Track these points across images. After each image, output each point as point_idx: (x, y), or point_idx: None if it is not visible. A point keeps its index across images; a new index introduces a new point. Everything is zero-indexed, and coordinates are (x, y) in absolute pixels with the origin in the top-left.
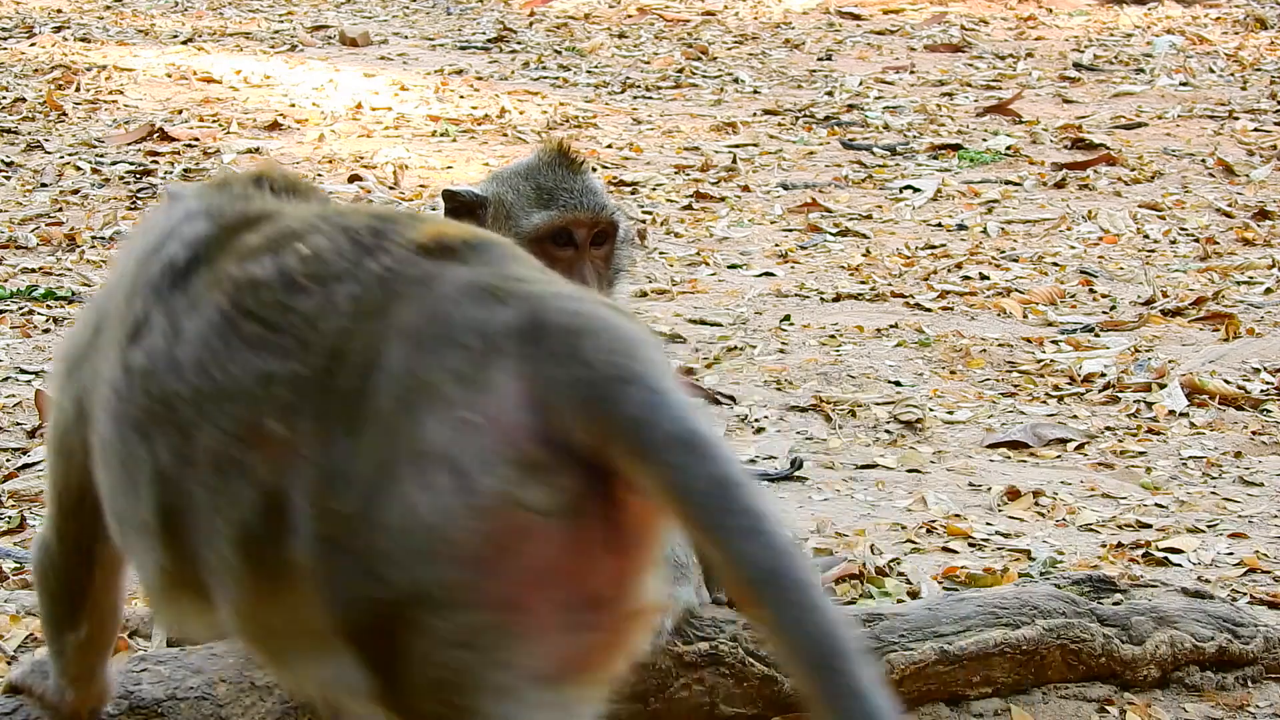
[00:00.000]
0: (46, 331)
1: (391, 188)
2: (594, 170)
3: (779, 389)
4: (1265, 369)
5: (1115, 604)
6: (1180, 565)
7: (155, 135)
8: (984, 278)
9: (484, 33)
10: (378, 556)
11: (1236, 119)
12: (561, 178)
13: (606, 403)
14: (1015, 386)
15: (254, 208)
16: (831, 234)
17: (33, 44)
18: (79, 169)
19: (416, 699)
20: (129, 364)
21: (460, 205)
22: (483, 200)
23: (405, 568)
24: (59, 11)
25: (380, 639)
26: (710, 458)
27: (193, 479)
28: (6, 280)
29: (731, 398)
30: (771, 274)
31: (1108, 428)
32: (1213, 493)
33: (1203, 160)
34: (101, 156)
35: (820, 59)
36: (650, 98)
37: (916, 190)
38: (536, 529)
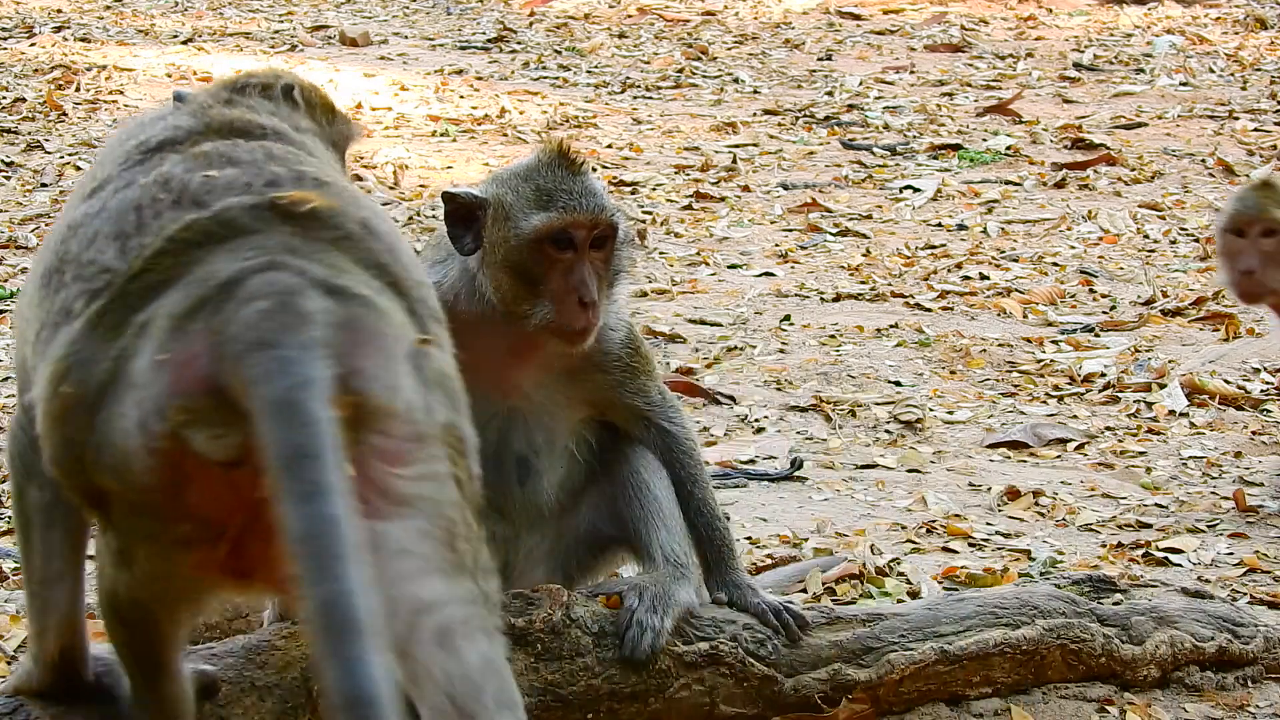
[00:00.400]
0: None
1: (391, 187)
2: (594, 171)
3: (779, 389)
4: (1265, 369)
5: (1115, 604)
6: (1180, 565)
7: None
8: (984, 278)
9: (484, 33)
10: (87, 448)
11: (1236, 119)
12: (561, 179)
13: (244, 362)
14: (1015, 386)
15: (240, 118)
16: (831, 234)
17: (33, 44)
18: (79, 169)
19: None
20: (72, 219)
21: (460, 207)
22: (482, 202)
23: (103, 469)
24: (59, 11)
25: (95, 500)
26: (298, 427)
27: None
28: (6, 280)
29: (731, 398)
30: (771, 274)
31: (1108, 428)
32: (1213, 493)
33: (1203, 160)
34: None
35: (820, 59)
36: (650, 98)
37: (916, 190)
38: (198, 471)
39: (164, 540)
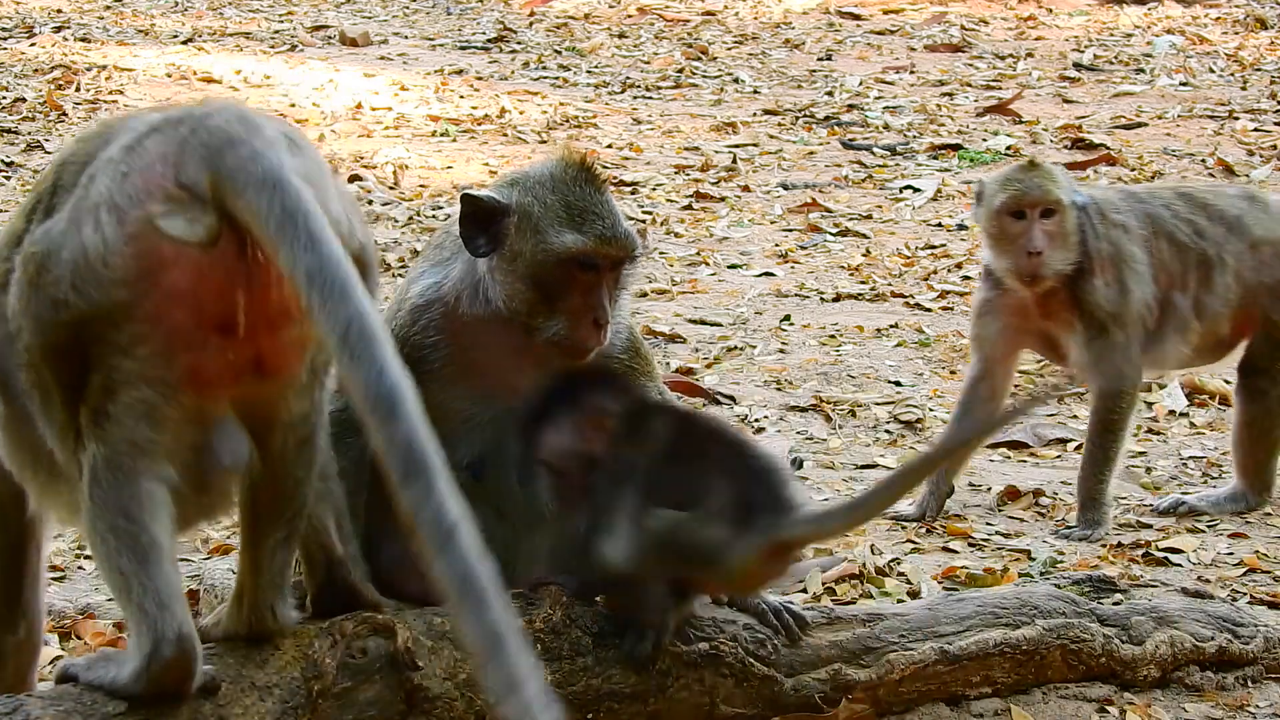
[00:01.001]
0: None
1: (391, 187)
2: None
3: (779, 389)
4: None
5: (1115, 604)
6: (1180, 565)
7: None
8: None
9: (484, 33)
10: (62, 285)
11: (1236, 119)
12: (590, 198)
13: (217, 157)
14: (1015, 386)
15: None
16: (831, 234)
17: (33, 44)
18: None
19: (92, 398)
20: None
21: (480, 210)
22: (505, 208)
23: (84, 293)
24: (59, 11)
25: (72, 355)
26: (286, 193)
27: None
28: None
29: (731, 398)
30: (771, 274)
31: None
32: (1212, 490)
33: (1203, 160)
34: None
35: (820, 59)
36: (650, 98)
37: (916, 190)
38: (177, 254)
39: (162, 351)
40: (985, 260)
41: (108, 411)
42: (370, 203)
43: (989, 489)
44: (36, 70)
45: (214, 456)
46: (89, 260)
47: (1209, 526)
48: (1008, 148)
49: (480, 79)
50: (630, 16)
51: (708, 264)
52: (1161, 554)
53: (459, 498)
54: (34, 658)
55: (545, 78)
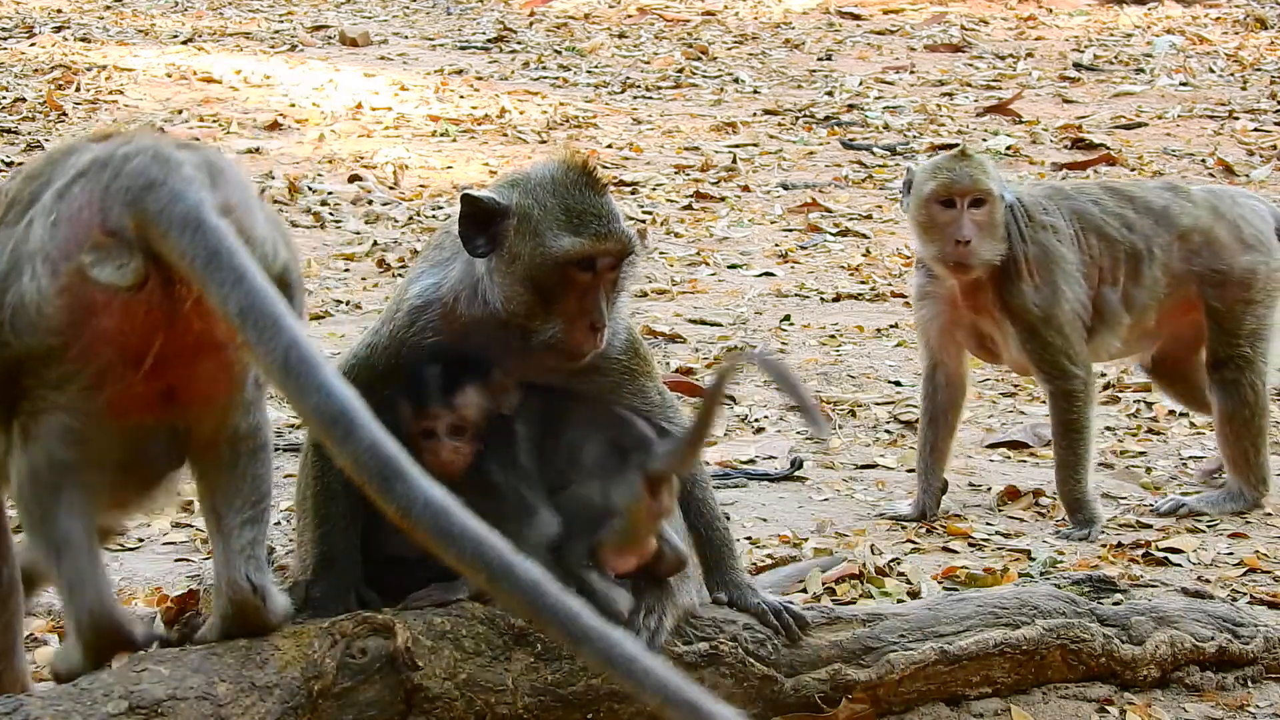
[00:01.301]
0: None
1: (391, 187)
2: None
3: (779, 389)
4: (1278, 369)
5: (1115, 604)
6: (1180, 565)
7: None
8: None
9: (484, 33)
10: (4, 329)
11: (1236, 119)
12: (589, 200)
13: (139, 201)
14: (1015, 386)
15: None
16: (831, 234)
17: (33, 44)
18: None
19: (20, 418)
20: None
21: (480, 211)
22: (505, 209)
23: (21, 337)
24: (59, 11)
25: (8, 384)
26: (208, 234)
27: None
28: None
29: (731, 398)
30: (771, 274)
31: (1108, 428)
32: (1212, 491)
33: (1203, 160)
34: None
35: (820, 59)
36: (650, 98)
37: None
38: (107, 300)
39: (87, 387)
40: (915, 250)
41: (32, 432)
42: (370, 203)
43: (989, 489)
44: (36, 70)
45: (148, 463)
46: (26, 308)
47: (1209, 526)
48: (1008, 148)
49: (480, 79)
50: (630, 16)
51: (708, 264)
52: (1161, 554)
53: (439, 486)
54: (18, 611)
55: (545, 78)
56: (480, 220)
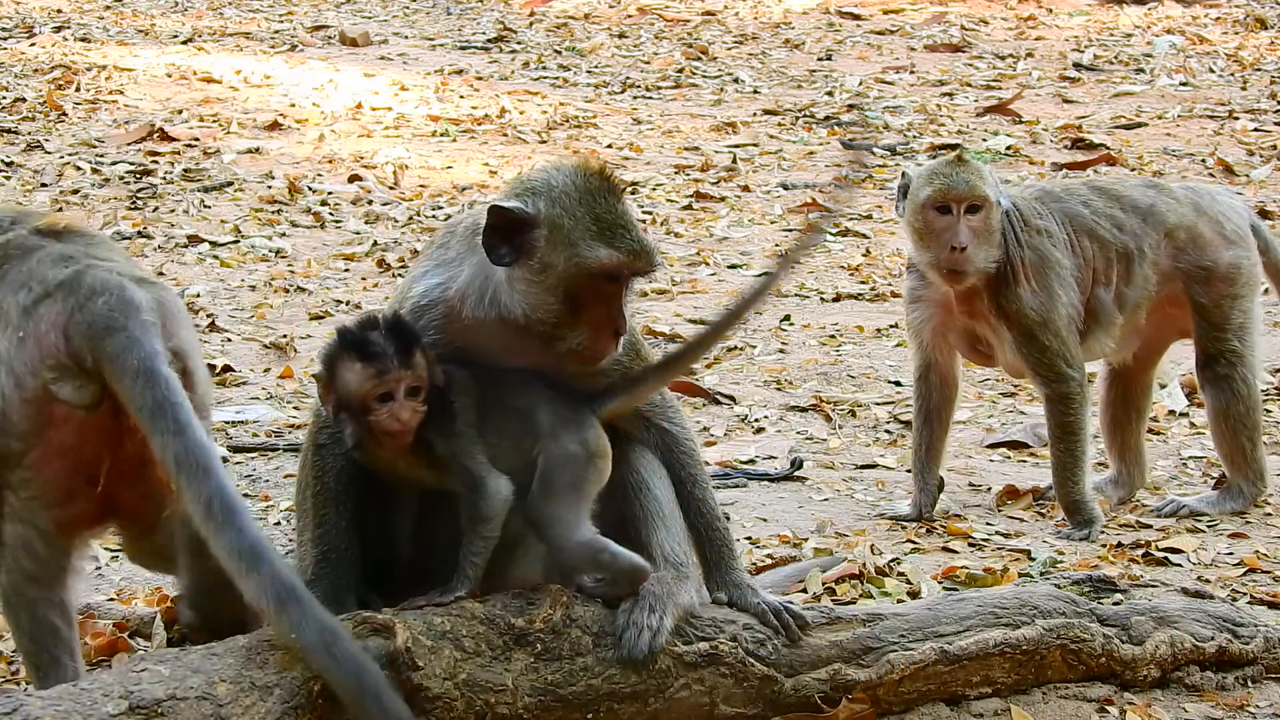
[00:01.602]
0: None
1: (391, 187)
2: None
3: (779, 389)
4: (1265, 369)
5: (1115, 604)
6: (1180, 565)
7: (155, 135)
8: None
9: (484, 33)
10: None
11: (1236, 119)
12: (616, 211)
13: (100, 340)
14: (1015, 387)
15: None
16: (831, 234)
17: (33, 44)
18: (79, 169)
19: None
20: None
21: (508, 222)
22: (534, 219)
23: None
24: (59, 11)
25: None
26: (159, 384)
27: None
28: None
29: (731, 398)
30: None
31: None
32: (1210, 491)
33: (1203, 160)
34: (101, 156)
35: (820, 59)
36: (650, 98)
37: None
38: (66, 415)
39: (42, 501)
40: (908, 253)
41: (2, 539)
42: (370, 203)
43: (989, 489)
44: (36, 70)
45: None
46: None
47: (1209, 526)
48: (1008, 148)
49: (480, 79)
50: (630, 16)
51: (708, 264)
52: (1161, 554)
53: (328, 614)
54: None
55: (545, 78)
56: (507, 230)
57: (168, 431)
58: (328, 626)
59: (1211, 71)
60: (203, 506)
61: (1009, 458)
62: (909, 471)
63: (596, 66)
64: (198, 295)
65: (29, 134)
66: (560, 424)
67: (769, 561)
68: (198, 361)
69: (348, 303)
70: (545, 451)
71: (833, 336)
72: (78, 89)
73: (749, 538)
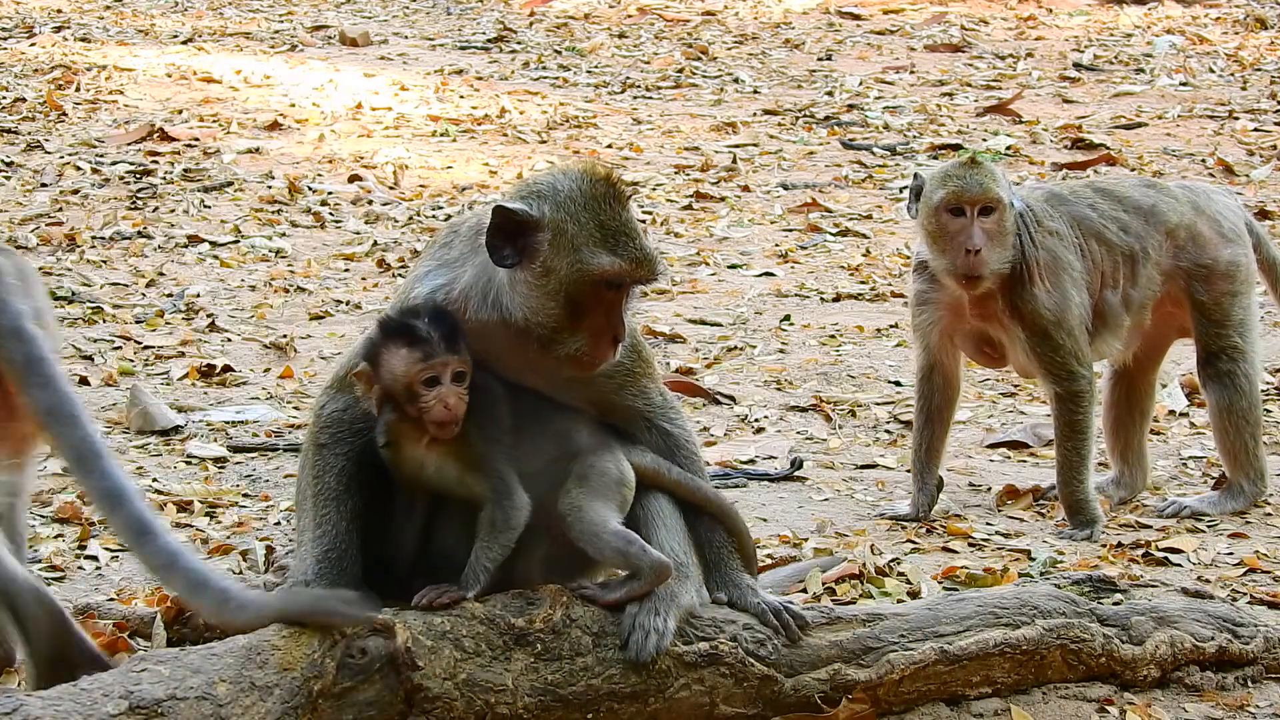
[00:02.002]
0: None
1: (391, 187)
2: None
3: (779, 389)
4: (1265, 369)
5: (1115, 604)
6: (1180, 565)
7: (155, 135)
8: None
9: (484, 33)
10: None
11: (1236, 119)
12: (621, 218)
13: None
14: (1015, 386)
15: None
16: (831, 234)
17: (33, 44)
18: (79, 169)
19: None
20: None
21: (512, 223)
22: (538, 222)
23: None
24: (59, 11)
25: None
26: (27, 342)
27: None
28: None
29: (731, 398)
30: (771, 274)
31: None
32: (1211, 491)
33: (1203, 160)
34: (101, 156)
35: (820, 59)
36: (650, 98)
37: None
38: None
39: None
40: (918, 253)
41: None
42: (370, 203)
43: (989, 489)
44: (36, 70)
45: None
46: None
47: (1209, 526)
48: (1008, 148)
49: (480, 79)
50: (630, 16)
51: (708, 264)
52: (1161, 554)
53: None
54: None
55: (545, 78)
56: (510, 232)
57: (38, 385)
58: (171, 549)
59: (1211, 71)
60: (73, 452)
61: (1009, 458)
62: (909, 472)
63: (596, 66)
64: (198, 295)
65: (29, 134)
66: (599, 445)
67: (769, 561)
68: (50, 320)
69: (348, 303)
70: (584, 460)
71: (833, 336)
72: (78, 89)
73: None
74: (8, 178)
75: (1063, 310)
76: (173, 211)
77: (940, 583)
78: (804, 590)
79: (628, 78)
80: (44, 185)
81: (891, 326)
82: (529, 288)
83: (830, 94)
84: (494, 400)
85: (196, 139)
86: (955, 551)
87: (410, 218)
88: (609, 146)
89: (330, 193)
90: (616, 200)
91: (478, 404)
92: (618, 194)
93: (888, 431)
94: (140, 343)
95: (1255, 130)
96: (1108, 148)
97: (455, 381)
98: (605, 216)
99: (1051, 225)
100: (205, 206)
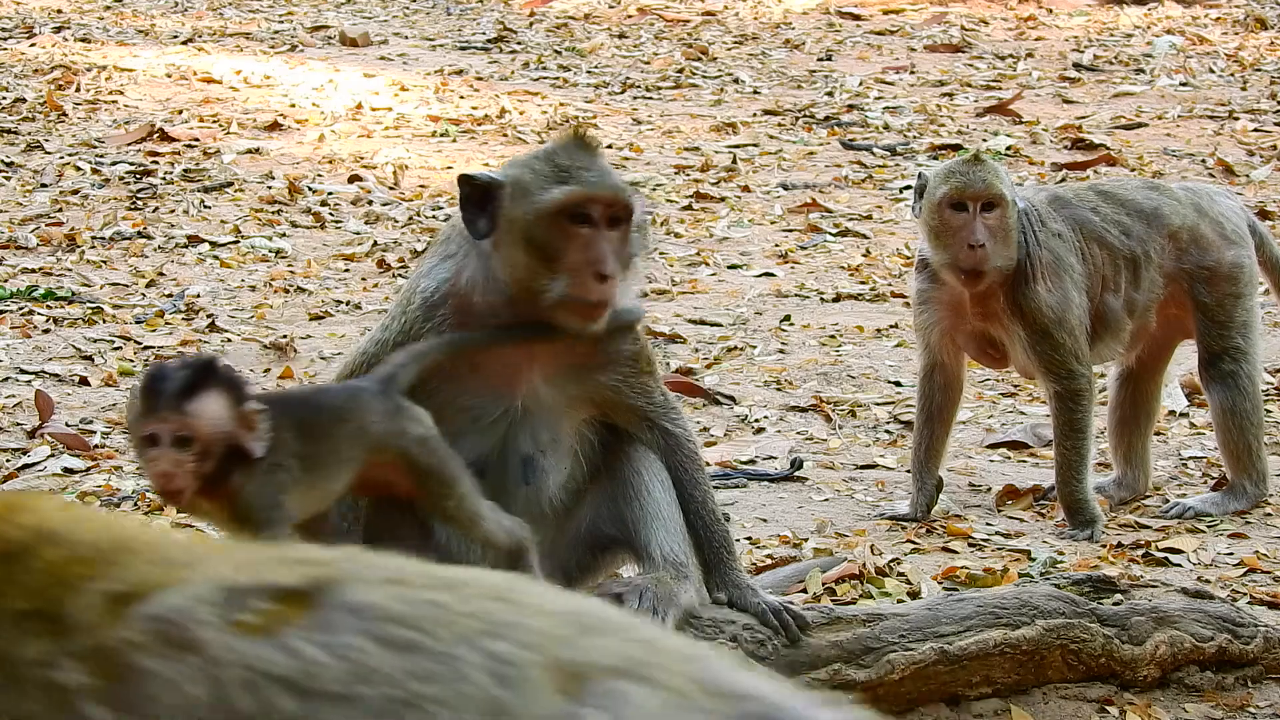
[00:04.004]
0: (46, 332)
1: (391, 188)
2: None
3: (779, 389)
4: (1265, 369)
5: (1115, 604)
6: (1180, 565)
7: (155, 135)
8: None
9: (484, 33)
10: None
11: (1236, 119)
12: (579, 158)
13: None
14: (1015, 386)
15: None
16: (831, 234)
17: (33, 44)
18: (79, 169)
19: None
20: None
21: (476, 189)
22: (499, 184)
23: None
24: (59, 12)
25: None
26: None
27: None
28: (7, 280)
29: (731, 398)
30: (771, 274)
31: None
32: (1212, 492)
33: (1203, 160)
34: (101, 157)
35: (820, 59)
36: (650, 98)
37: None
38: None
39: None
40: (920, 251)
41: None
42: (370, 203)
43: (989, 489)
44: (36, 70)
45: None
46: None
47: (1209, 527)
48: (1008, 148)
49: (480, 79)
50: (630, 17)
51: (708, 264)
52: (1161, 554)
53: None
54: None
55: (545, 78)
56: (479, 200)
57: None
58: None
59: (1212, 72)
60: None
61: (1009, 458)
62: (909, 472)
63: (596, 67)
64: (198, 295)
65: (29, 134)
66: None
67: (769, 562)
68: None
69: (348, 303)
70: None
71: (833, 337)
72: (78, 89)
73: (749, 538)
74: (8, 178)
75: (1064, 310)
76: (173, 212)
77: (940, 583)
78: (804, 590)
79: (628, 78)
80: (44, 185)
81: (892, 327)
82: (503, 248)
83: (830, 94)
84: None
85: (196, 139)
86: (955, 552)
87: (410, 218)
88: (609, 146)
89: (330, 193)
90: (579, 147)
91: (250, 462)
92: (582, 142)
93: (888, 432)
94: (140, 343)
95: (1255, 130)
96: (1108, 148)
97: (178, 446)
98: (563, 159)
99: (1055, 226)
100: (205, 207)
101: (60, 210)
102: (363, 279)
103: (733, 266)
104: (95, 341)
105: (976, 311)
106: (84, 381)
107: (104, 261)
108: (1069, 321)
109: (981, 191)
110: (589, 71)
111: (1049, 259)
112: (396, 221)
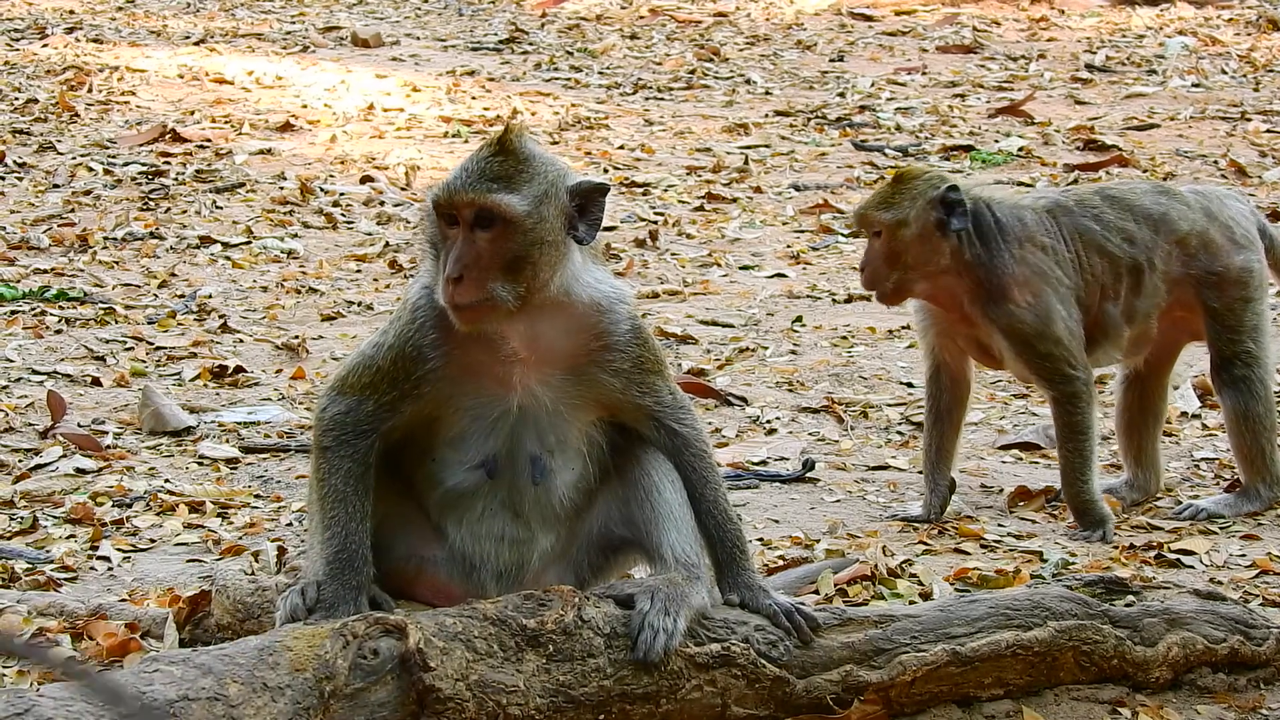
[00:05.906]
0: (59, 332)
1: (403, 188)
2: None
3: (791, 390)
4: (1279, 371)
5: (1127, 605)
6: (1192, 567)
7: (167, 136)
8: None
9: (496, 34)
10: None
11: (1249, 120)
12: (477, 160)
13: None
14: (1028, 387)
15: None
16: (843, 235)
17: (45, 45)
18: (91, 170)
19: None
20: None
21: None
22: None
23: None
24: (71, 12)
25: None
26: None
27: None
28: (19, 281)
29: (743, 399)
30: (783, 275)
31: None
32: (1225, 494)
33: (1215, 161)
34: (114, 157)
35: (832, 60)
36: (662, 99)
37: None
38: None
39: None
40: None
41: None
42: (382, 204)
43: (1001, 490)
44: (49, 71)
45: None
46: None
47: (1221, 528)
48: (1020, 149)
49: (492, 80)
50: (642, 18)
51: (719, 265)
52: (1174, 555)
53: None
54: None
55: (557, 79)
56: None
57: None
58: None
59: (1224, 73)
60: None
61: (1021, 459)
62: (921, 473)
63: (608, 68)
64: (209, 296)
65: (41, 135)
66: None
67: (781, 563)
68: None
69: (360, 304)
70: None
71: (844, 338)
72: (90, 90)
73: (761, 539)
74: (20, 178)
75: (1046, 322)
76: (185, 212)
77: (952, 584)
78: (816, 591)
79: (639, 79)
80: (56, 186)
81: (903, 328)
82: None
83: (842, 95)
84: None
85: (208, 140)
86: (967, 553)
87: (422, 218)
88: (621, 148)
89: (342, 194)
90: (489, 148)
91: None
92: (496, 144)
93: (899, 433)
94: (152, 343)
95: (1268, 131)
96: (1120, 149)
97: None
98: (469, 159)
99: (1044, 240)
100: (217, 207)
101: (72, 211)
102: (374, 280)
103: (744, 267)
104: (107, 342)
105: (960, 325)
106: (96, 382)
107: (116, 262)
108: (1053, 332)
109: (863, 219)
110: (601, 72)
111: (1025, 274)
112: (408, 222)
